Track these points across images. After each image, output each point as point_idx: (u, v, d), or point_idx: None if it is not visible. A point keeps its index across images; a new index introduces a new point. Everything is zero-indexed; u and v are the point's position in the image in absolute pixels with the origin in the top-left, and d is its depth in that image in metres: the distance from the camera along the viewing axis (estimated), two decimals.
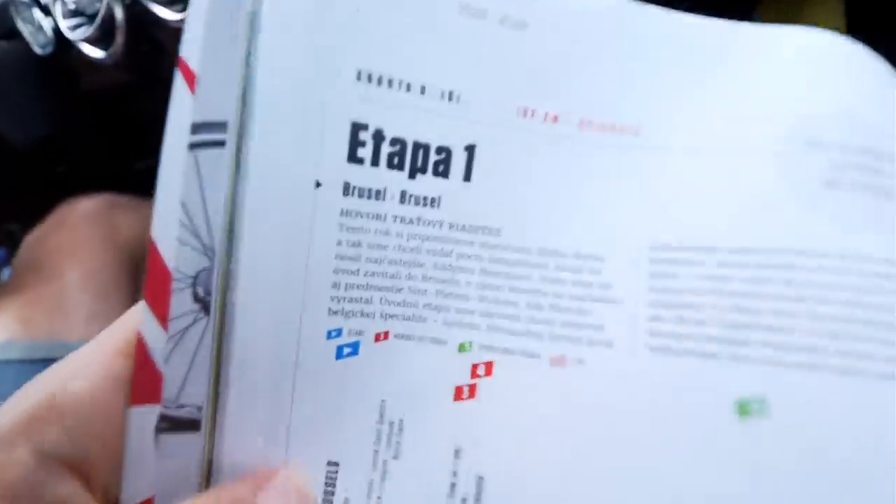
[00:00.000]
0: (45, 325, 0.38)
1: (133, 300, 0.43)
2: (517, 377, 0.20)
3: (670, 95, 0.21)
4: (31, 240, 0.45)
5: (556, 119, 0.21)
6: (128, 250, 0.45)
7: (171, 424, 0.18)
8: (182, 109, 0.18)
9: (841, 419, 0.17)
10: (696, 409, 0.18)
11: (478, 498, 0.19)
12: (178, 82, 0.18)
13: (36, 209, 0.46)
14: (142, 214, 0.48)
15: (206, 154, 0.18)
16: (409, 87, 0.19)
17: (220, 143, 0.18)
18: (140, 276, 0.44)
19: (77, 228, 0.44)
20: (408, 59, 0.19)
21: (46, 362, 0.32)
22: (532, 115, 0.21)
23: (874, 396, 0.17)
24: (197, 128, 0.18)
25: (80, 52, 0.45)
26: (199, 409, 0.18)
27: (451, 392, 0.20)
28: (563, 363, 0.19)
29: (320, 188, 0.19)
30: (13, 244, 0.46)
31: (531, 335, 0.20)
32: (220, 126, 0.18)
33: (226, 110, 0.18)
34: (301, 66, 0.18)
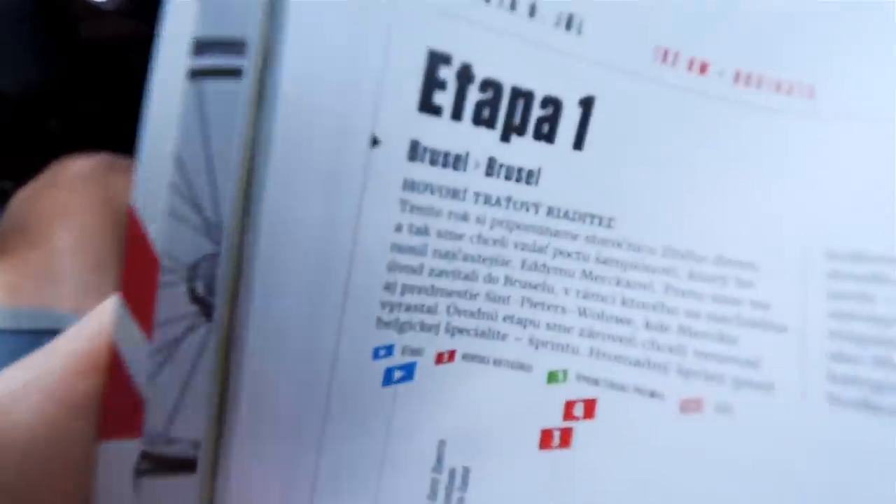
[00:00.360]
0: (31, 293, 0.33)
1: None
2: (630, 423, 0.14)
3: (852, 49, 0.15)
4: (20, 199, 0.40)
5: (703, 68, 0.15)
6: (125, 217, 0.40)
7: (157, 465, 0.13)
8: (182, 19, 0.12)
9: None
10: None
11: None
12: None
13: (29, 166, 0.41)
14: None
15: (214, 87, 0.12)
16: (514, 4, 0.13)
17: (236, 72, 0.12)
18: None
19: (71, 189, 0.38)
20: None
21: (32, 333, 0.27)
22: (673, 61, 0.15)
23: None
24: (202, 47, 0.12)
25: None
26: (196, 445, 0.13)
27: (537, 437, 0.14)
28: (698, 409, 0.14)
29: (377, 147, 0.13)
30: (4, 201, 0.41)
31: (652, 366, 0.14)
32: (237, 46, 0.12)
33: (246, 22, 0.12)
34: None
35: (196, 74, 0.12)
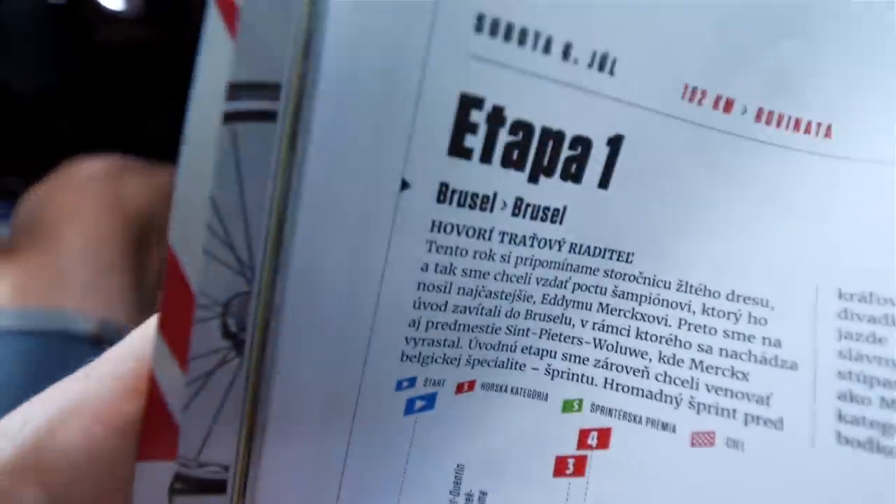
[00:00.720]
0: (40, 294, 0.34)
1: (136, 278, 0.38)
2: (643, 454, 0.15)
3: (869, 92, 0.15)
4: (31, 200, 0.40)
5: (728, 106, 0.15)
6: (135, 220, 0.40)
7: (190, 486, 0.14)
8: (216, 63, 0.12)
9: None
10: None
11: None
12: (213, 21, 0.12)
13: (40, 165, 0.41)
14: (153, 181, 0.43)
15: (248, 129, 0.12)
16: (547, 45, 0.13)
17: (270, 116, 0.12)
18: (144, 250, 0.40)
19: (81, 191, 0.38)
20: (551, 4, 0.13)
21: (40, 334, 0.28)
22: (700, 99, 0.15)
23: None
24: (237, 90, 0.12)
25: (95, 2, 0.40)
26: (226, 468, 0.14)
27: (551, 464, 0.15)
28: (709, 443, 0.15)
29: (407, 190, 0.13)
30: (14, 199, 0.41)
31: (665, 399, 0.15)
32: (271, 89, 0.12)
33: (280, 66, 0.12)
34: (395, 4, 0.12)
35: (231, 118, 0.12)
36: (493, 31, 0.13)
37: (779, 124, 0.15)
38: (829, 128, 0.15)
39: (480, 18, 0.12)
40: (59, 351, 0.29)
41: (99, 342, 0.31)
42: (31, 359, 0.27)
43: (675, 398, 0.15)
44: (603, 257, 0.15)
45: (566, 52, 0.13)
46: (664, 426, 0.15)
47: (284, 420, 0.14)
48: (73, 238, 0.37)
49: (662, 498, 0.15)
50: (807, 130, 0.15)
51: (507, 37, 0.13)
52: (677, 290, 0.15)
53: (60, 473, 0.13)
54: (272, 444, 0.14)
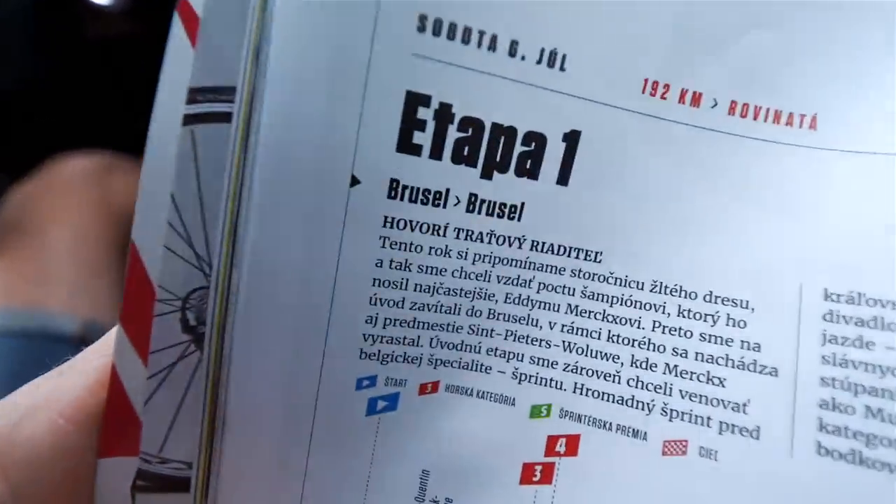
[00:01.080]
0: (25, 293, 0.35)
1: (122, 278, 0.38)
2: (612, 462, 0.14)
3: (854, 81, 0.14)
4: (17, 196, 0.40)
5: (696, 100, 0.15)
6: (122, 219, 0.41)
7: (152, 483, 0.14)
8: (179, 69, 0.13)
9: None
10: None
11: None
12: (177, 30, 0.13)
13: (25, 163, 0.42)
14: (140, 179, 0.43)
15: (206, 131, 0.13)
16: (492, 43, 0.13)
17: (226, 117, 0.13)
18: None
19: (67, 189, 0.39)
20: (494, 3, 0.13)
21: (24, 335, 0.29)
22: (663, 93, 0.14)
23: None
24: (196, 94, 0.13)
25: None
26: (189, 465, 0.14)
27: (518, 471, 0.14)
28: (681, 451, 0.14)
29: (357, 186, 0.13)
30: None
31: (637, 405, 0.14)
32: (227, 93, 0.13)
33: (235, 71, 0.13)
34: (337, 8, 0.13)
35: (190, 119, 0.13)
36: (436, 31, 0.13)
37: (756, 117, 0.15)
38: (813, 119, 0.15)
39: (422, 19, 0.13)
40: (43, 351, 0.29)
41: (84, 342, 0.31)
42: (15, 359, 0.27)
43: (647, 404, 0.14)
44: (569, 256, 0.15)
45: (512, 50, 0.13)
46: (635, 433, 0.14)
47: (244, 416, 0.14)
48: (59, 237, 0.37)
49: None
50: (789, 122, 0.15)
51: (451, 36, 0.13)
52: (651, 291, 0.15)
53: (25, 467, 0.13)
54: (233, 441, 0.14)
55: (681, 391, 0.14)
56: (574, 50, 0.14)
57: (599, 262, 0.15)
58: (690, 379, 0.14)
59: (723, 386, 0.14)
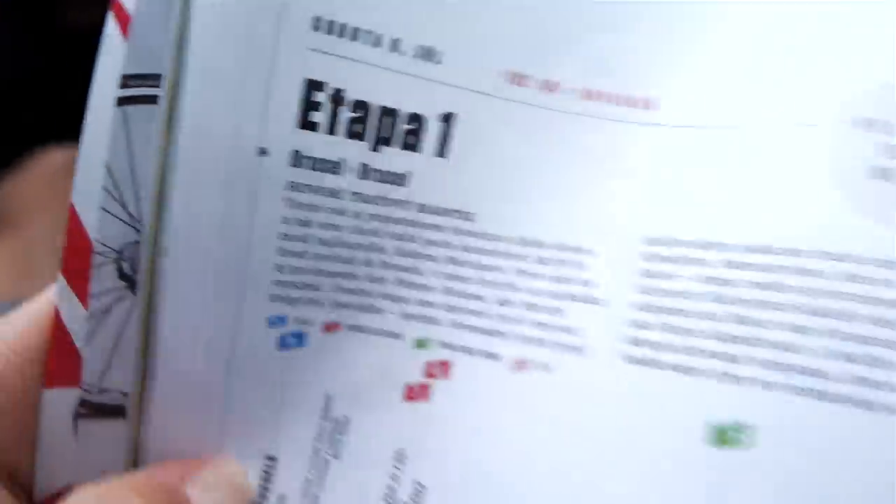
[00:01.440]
0: (6, 285, 0.36)
1: None
2: (475, 380, 0.17)
3: (696, 65, 0.18)
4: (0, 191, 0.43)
5: (553, 87, 0.18)
6: None
7: (93, 410, 0.17)
8: (112, 58, 0.16)
9: (843, 456, 0.15)
10: (664, 433, 0.16)
11: None
12: (110, 25, 0.16)
13: (4, 157, 0.42)
14: None
15: (136, 111, 0.16)
16: (377, 41, 0.16)
17: (153, 99, 0.16)
18: None
19: (48, 183, 0.41)
20: (377, 6, 0.16)
21: None
22: (524, 82, 0.18)
23: (884, 432, 0.15)
24: (127, 80, 0.16)
25: None
26: (125, 394, 0.17)
27: (402, 391, 0.18)
28: (524, 368, 0.17)
29: (265, 156, 0.16)
30: None
31: (496, 334, 0.18)
32: (154, 79, 0.16)
33: (161, 60, 0.16)
34: (245, 8, 0.15)
35: (123, 101, 0.16)
36: (329, 30, 0.16)
37: (603, 100, 0.18)
38: (656, 100, 0.18)
39: (317, 20, 0.16)
40: None
41: None
42: None
43: (506, 333, 0.18)
44: (449, 217, 0.18)
45: (394, 46, 0.17)
46: (491, 356, 0.17)
47: (172, 350, 0.16)
48: (41, 230, 0.38)
49: (488, 417, 0.17)
50: (633, 104, 0.18)
51: (342, 34, 0.16)
52: (515, 244, 0.18)
53: None
54: (163, 371, 0.17)
55: (531, 321, 0.17)
56: (448, 47, 0.17)
57: (473, 221, 0.18)
58: (540, 312, 0.18)
59: (562, 315, 0.17)
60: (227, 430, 0.17)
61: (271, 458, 0.18)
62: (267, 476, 0.18)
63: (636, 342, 0.16)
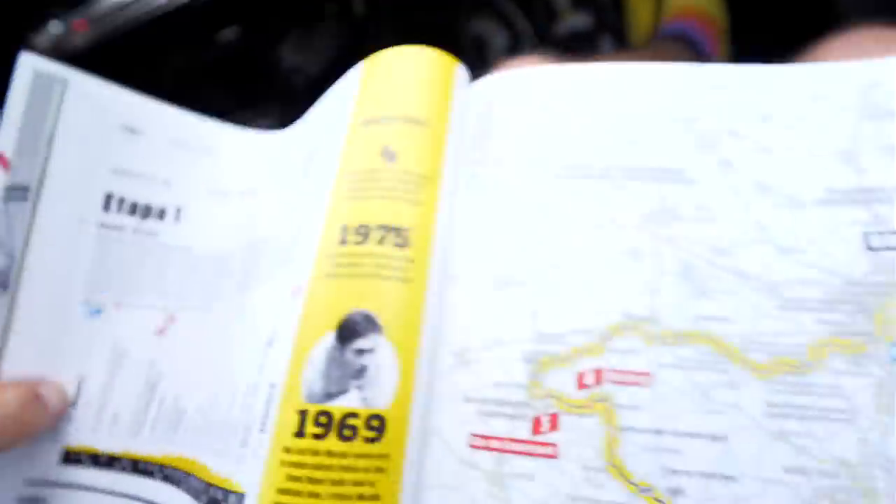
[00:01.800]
0: None
1: None
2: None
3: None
4: None
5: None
6: None
7: None
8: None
9: None
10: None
11: None
12: None
13: None
14: None
15: (14, 206, 0.32)
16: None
17: (25, 199, 0.32)
18: None
19: None
20: None
21: None
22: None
23: None
24: (9, 190, 0.32)
25: None
26: None
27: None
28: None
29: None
30: None
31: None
32: (25, 189, 0.32)
33: (29, 178, 0.32)
34: (78, 165, 0.34)
35: (6, 200, 0.32)
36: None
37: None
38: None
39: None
40: None
41: None
42: None
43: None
44: None
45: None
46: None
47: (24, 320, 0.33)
48: None
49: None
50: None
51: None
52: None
53: None
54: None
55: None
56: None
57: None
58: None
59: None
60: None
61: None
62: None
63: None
